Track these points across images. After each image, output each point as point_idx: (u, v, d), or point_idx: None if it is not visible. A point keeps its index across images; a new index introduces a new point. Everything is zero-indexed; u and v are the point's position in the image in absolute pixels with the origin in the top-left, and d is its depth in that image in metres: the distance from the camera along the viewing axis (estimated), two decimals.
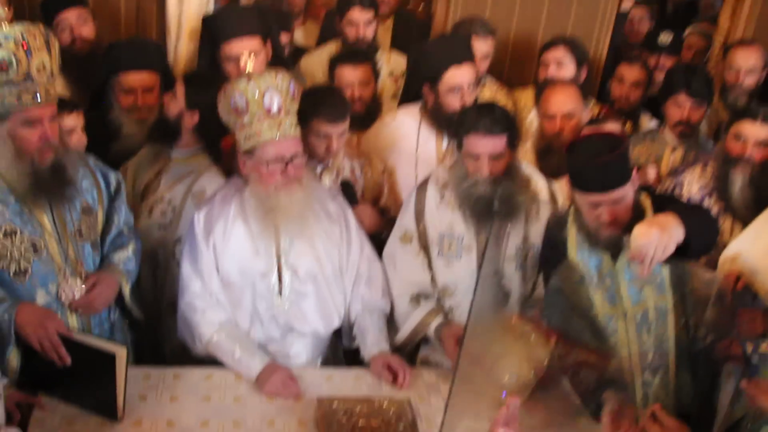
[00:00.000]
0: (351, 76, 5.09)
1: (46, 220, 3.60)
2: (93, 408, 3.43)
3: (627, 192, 3.49)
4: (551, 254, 3.84)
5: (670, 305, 3.66)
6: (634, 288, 3.66)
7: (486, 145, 3.83)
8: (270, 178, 3.66)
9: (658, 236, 3.19)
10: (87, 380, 3.40)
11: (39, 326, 3.37)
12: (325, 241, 3.91)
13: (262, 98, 3.55)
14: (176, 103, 4.34)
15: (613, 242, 3.59)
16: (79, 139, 4.24)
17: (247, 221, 3.79)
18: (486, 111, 3.88)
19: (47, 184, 3.51)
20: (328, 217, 3.95)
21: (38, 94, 3.37)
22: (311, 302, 3.91)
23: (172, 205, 4.37)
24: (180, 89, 4.34)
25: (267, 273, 3.85)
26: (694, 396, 3.73)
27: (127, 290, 3.86)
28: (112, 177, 3.97)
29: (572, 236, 3.72)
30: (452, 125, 4.45)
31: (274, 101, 3.57)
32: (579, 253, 3.70)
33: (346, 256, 4.00)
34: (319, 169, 4.42)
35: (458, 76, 4.62)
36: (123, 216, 3.97)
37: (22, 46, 3.28)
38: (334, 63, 5.17)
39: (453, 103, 4.64)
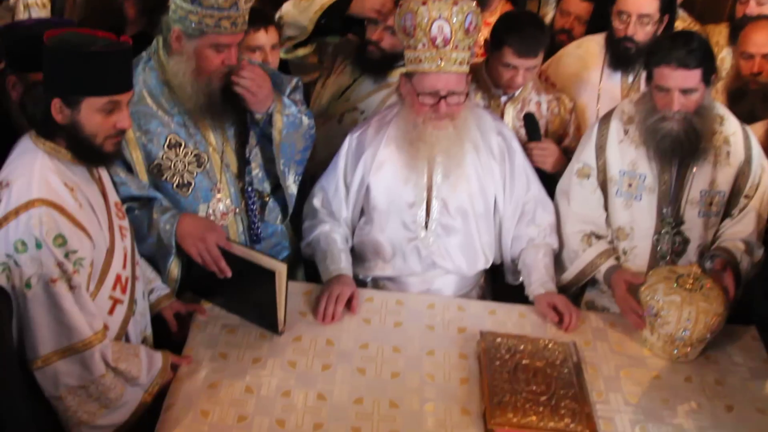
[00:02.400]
0: (578, 7, 4.85)
1: (211, 135, 3.60)
2: (254, 319, 3.44)
3: None
4: None
5: None
6: None
7: (677, 79, 3.53)
8: (420, 109, 3.52)
9: None
10: (248, 292, 3.40)
11: (199, 239, 3.37)
12: (481, 178, 3.76)
13: (430, 26, 3.39)
14: None
15: None
16: (265, 58, 4.14)
17: (400, 147, 3.67)
18: (682, 41, 3.55)
19: (218, 105, 3.48)
20: (490, 153, 3.77)
21: (237, 23, 3.34)
22: (457, 239, 3.80)
23: (365, 115, 4.30)
24: None
25: (415, 203, 3.75)
26: None
27: (279, 120, 3.65)
28: (287, 82, 3.84)
29: None
30: (633, 56, 4.34)
31: (442, 33, 3.40)
32: None
33: (510, 194, 3.84)
34: (503, 99, 4.25)
35: (630, 2, 4.35)
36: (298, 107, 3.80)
37: None
38: None
39: (618, 27, 4.40)
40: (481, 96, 4.26)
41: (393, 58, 4.22)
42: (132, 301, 3.12)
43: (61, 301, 2.75)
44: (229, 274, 3.35)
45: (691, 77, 3.53)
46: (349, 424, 3.01)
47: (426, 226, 3.76)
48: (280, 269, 3.27)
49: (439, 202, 3.73)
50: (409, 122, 3.60)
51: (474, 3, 3.47)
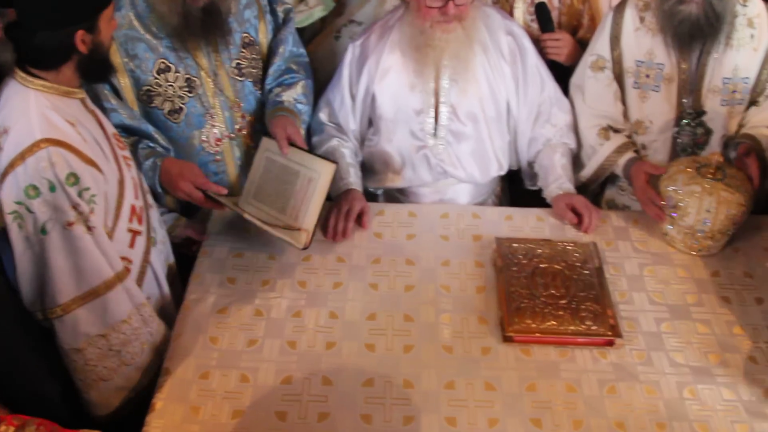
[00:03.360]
0: None
1: (202, 57, 3.46)
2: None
3: None
4: None
5: None
6: None
7: None
8: (428, 13, 3.38)
9: None
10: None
11: (176, 189, 3.26)
12: (491, 81, 3.62)
13: None
14: None
15: None
16: None
17: (405, 53, 3.54)
18: None
19: (197, 26, 3.34)
20: (499, 53, 3.63)
21: None
22: (468, 146, 3.69)
23: (363, 26, 4.07)
24: None
25: (422, 110, 3.62)
26: None
27: (301, 132, 3.64)
28: (280, 7, 3.78)
29: None
30: None
31: None
32: None
33: (523, 95, 3.70)
34: None
35: None
36: (289, 47, 3.75)
37: None
38: None
39: None
40: None
41: None
42: (149, 229, 3.06)
43: (80, 243, 2.67)
44: (219, 208, 3.30)
45: None
46: (363, 340, 2.94)
47: (435, 134, 3.64)
48: (327, 169, 3.22)
49: (448, 107, 3.60)
50: (416, 27, 3.46)
51: None
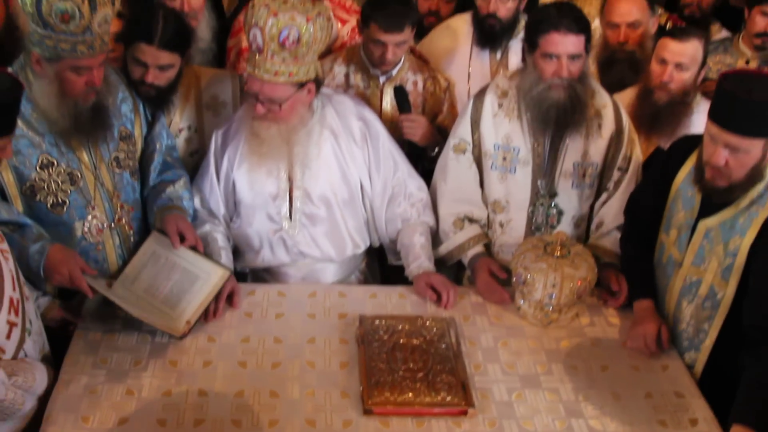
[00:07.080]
0: None
1: (84, 153, 3.56)
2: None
3: (756, 148, 3.06)
4: (660, 170, 3.59)
5: (728, 296, 3.25)
6: (703, 251, 3.33)
7: (567, 44, 3.61)
8: (251, 106, 3.60)
9: None
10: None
11: (58, 271, 3.31)
12: (342, 164, 3.81)
13: (248, 30, 3.43)
14: None
15: (709, 191, 3.22)
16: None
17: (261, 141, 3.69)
18: (567, 8, 3.68)
19: (86, 125, 3.44)
20: (351, 138, 3.82)
21: (94, 46, 3.28)
22: (322, 227, 3.86)
23: (193, 127, 4.24)
24: None
25: (278, 195, 3.79)
26: None
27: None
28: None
29: (689, 164, 3.41)
30: (498, 33, 4.52)
31: (256, 40, 3.42)
32: (682, 184, 3.44)
33: (376, 177, 3.89)
34: (382, 79, 4.33)
35: None
36: (165, 141, 3.88)
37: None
38: None
39: (481, 5, 4.54)
40: (361, 77, 4.34)
41: (169, 92, 3.94)
42: (24, 321, 3.05)
43: None
44: (91, 295, 3.35)
45: (578, 42, 3.63)
46: (230, 417, 3.03)
47: (290, 217, 3.81)
48: (220, 273, 3.39)
49: (301, 192, 3.78)
50: (247, 115, 3.68)
51: (304, 19, 3.38)
